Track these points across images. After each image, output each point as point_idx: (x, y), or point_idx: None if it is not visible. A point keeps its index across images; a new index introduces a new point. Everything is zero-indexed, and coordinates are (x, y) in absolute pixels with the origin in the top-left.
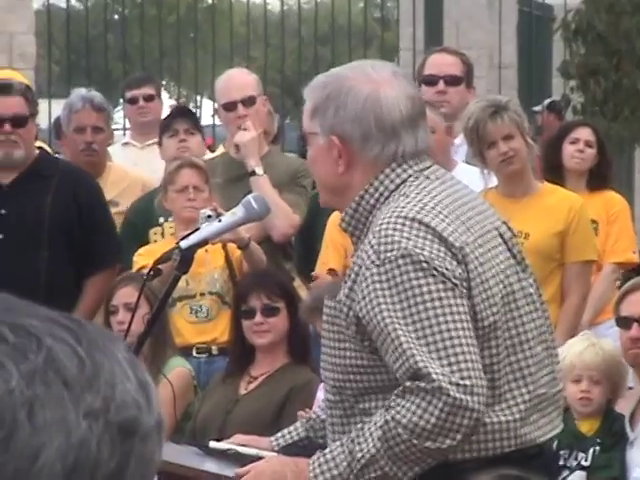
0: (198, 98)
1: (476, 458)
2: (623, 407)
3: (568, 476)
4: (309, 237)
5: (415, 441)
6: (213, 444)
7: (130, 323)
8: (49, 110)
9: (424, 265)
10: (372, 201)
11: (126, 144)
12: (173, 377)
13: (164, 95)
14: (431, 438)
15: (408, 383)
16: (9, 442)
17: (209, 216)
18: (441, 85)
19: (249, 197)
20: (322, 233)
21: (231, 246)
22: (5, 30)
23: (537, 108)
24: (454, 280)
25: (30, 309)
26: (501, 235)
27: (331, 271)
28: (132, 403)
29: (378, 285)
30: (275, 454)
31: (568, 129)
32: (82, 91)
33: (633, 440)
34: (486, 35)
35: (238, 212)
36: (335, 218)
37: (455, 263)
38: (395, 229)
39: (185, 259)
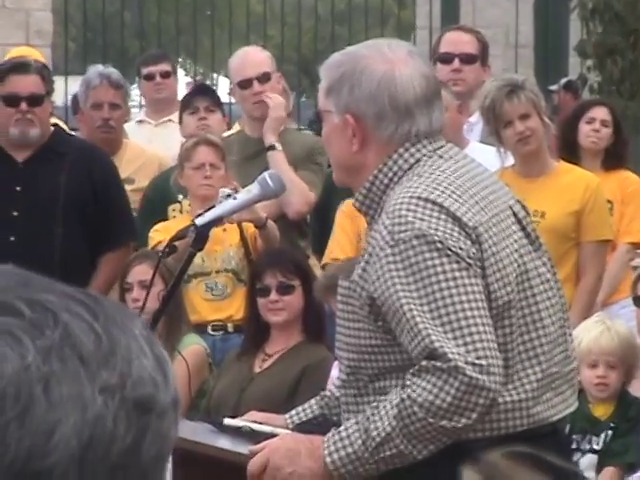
0: (215, 76)
1: (489, 437)
2: (637, 388)
3: (580, 459)
4: (324, 215)
5: (431, 420)
6: (227, 421)
7: (145, 300)
8: (65, 87)
9: (438, 245)
10: (386, 180)
11: (141, 121)
12: (188, 354)
13: (180, 73)
14: (447, 417)
15: (424, 362)
16: (25, 418)
17: (228, 195)
18: (456, 63)
19: (265, 174)
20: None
21: (246, 223)
22: (22, 7)
23: (553, 87)
24: (468, 260)
25: (47, 284)
26: (515, 214)
27: (336, 261)
28: (149, 380)
29: (392, 266)
30: (289, 431)
31: (584, 108)
32: (99, 67)
33: None
34: (503, 13)
35: (254, 189)
36: (344, 207)
37: (469, 243)
38: (409, 209)
39: (200, 236)
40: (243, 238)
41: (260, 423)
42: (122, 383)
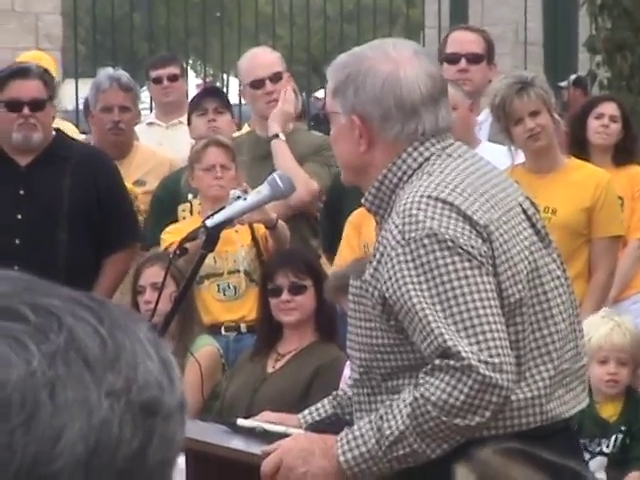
0: (225, 77)
1: (502, 435)
2: None
3: (589, 460)
4: (335, 215)
5: (444, 418)
6: (240, 422)
7: (157, 302)
8: (76, 90)
9: (449, 244)
10: (395, 180)
11: (151, 124)
12: (201, 356)
13: (191, 74)
14: (460, 415)
15: (437, 361)
16: (31, 423)
17: (239, 197)
18: (463, 63)
19: (274, 175)
20: (348, 210)
21: (257, 224)
22: (31, 11)
23: (563, 84)
24: (480, 258)
25: (51, 289)
26: (525, 211)
27: None
28: (154, 383)
29: (404, 265)
30: (302, 431)
31: (593, 104)
32: (109, 70)
33: None
34: (511, 11)
35: (263, 190)
36: (352, 218)
37: (480, 241)
38: (419, 208)
39: (211, 238)
40: (254, 239)
41: (273, 423)
42: (128, 387)
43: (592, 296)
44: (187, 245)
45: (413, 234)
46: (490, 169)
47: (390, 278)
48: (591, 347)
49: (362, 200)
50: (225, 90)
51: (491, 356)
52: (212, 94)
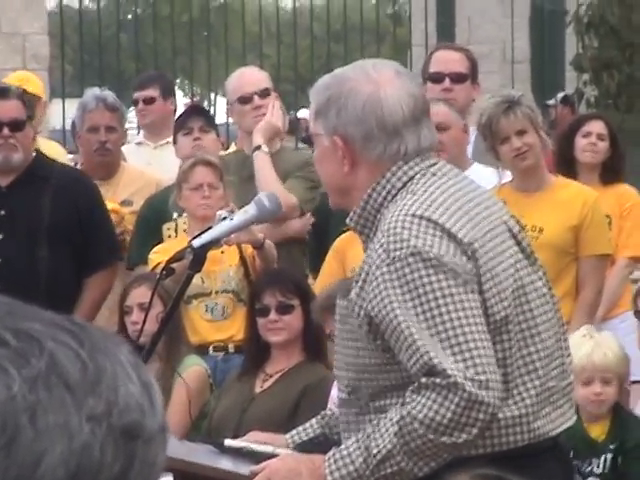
0: (212, 96)
1: (490, 453)
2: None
3: None
4: (321, 235)
5: (431, 436)
6: (228, 442)
7: (144, 323)
8: (63, 110)
9: (434, 262)
10: (380, 199)
11: (140, 143)
12: (189, 376)
13: (178, 94)
14: (447, 433)
15: (423, 379)
16: (11, 448)
17: (225, 218)
18: (447, 83)
19: (261, 195)
20: (334, 231)
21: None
22: (18, 31)
23: (550, 102)
24: (465, 276)
25: (32, 313)
26: (510, 229)
27: None
28: (135, 406)
29: (389, 284)
30: (290, 451)
31: (580, 122)
32: (95, 91)
33: None
34: (498, 30)
35: (250, 210)
36: (336, 243)
37: (465, 259)
38: (404, 227)
39: (197, 258)
40: (242, 258)
41: (261, 443)
42: (109, 411)
43: (580, 314)
44: (174, 265)
45: (398, 253)
46: (474, 188)
47: (375, 297)
48: (574, 368)
49: (347, 220)
50: (212, 109)
51: (477, 373)
52: (197, 113)
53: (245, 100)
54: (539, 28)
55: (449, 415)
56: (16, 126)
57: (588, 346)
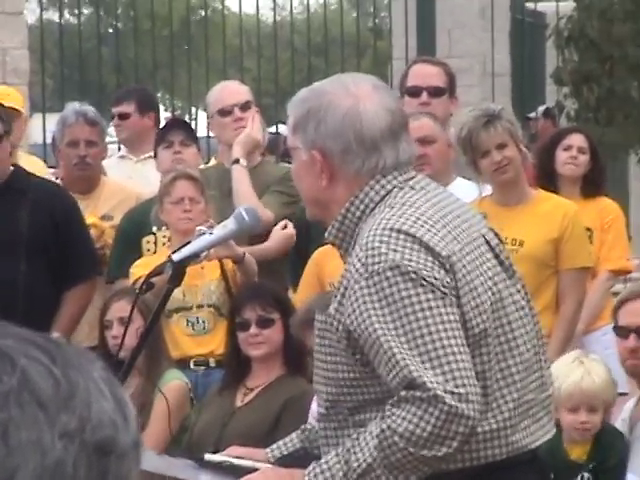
0: (193, 110)
1: (469, 467)
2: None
3: None
4: (302, 249)
5: (411, 449)
6: (208, 457)
7: (123, 337)
8: (43, 124)
9: (412, 276)
10: (358, 213)
11: (123, 157)
12: (169, 391)
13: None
14: (427, 446)
15: (403, 392)
16: None
17: (204, 233)
18: (424, 97)
19: (240, 209)
20: (314, 244)
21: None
22: None
23: (532, 115)
24: (443, 289)
25: (3, 329)
26: (488, 242)
27: None
28: (108, 422)
29: (368, 298)
30: (270, 466)
31: (561, 136)
32: (75, 105)
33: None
34: (479, 43)
35: (229, 224)
36: (315, 256)
37: (443, 272)
38: (382, 241)
39: (177, 272)
40: (223, 272)
41: (241, 458)
42: (82, 427)
43: (560, 328)
44: (154, 280)
45: (376, 267)
46: (453, 201)
47: (354, 311)
48: (561, 395)
49: (326, 234)
50: (194, 123)
51: (457, 386)
52: (178, 126)
53: (225, 113)
54: (519, 42)
55: (429, 428)
56: None
57: (578, 373)
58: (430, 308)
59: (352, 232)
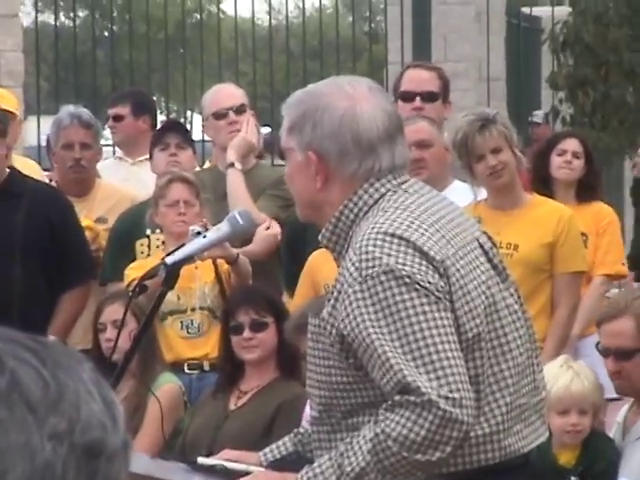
0: (189, 113)
1: (462, 471)
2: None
3: None
4: (295, 251)
5: (405, 454)
6: (201, 460)
7: (116, 340)
8: (38, 127)
9: (406, 280)
10: (351, 216)
11: (120, 159)
12: (162, 394)
13: None
14: (421, 451)
15: (397, 397)
16: None
17: (198, 232)
18: (418, 102)
19: (234, 212)
20: (309, 247)
21: (220, 260)
22: None
23: (536, 119)
24: (437, 294)
25: None
26: (481, 246)
27: None
28: (97, 424)
29: (361, 302)
30: (263, 469)
31: (555, 140)
32: (70, 108)
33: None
34: (474, 47)
35: (223, 227)
36: (311, 259)
37: (437, 276)
38: (375, 245)
39: (170, 275)
40: (218, 275)
41: (234, 461)
42: (71, 429)
43: (554, 332)
44: (147, 282)
45: (370, 271)
46: (446, 204)
47: (348, 315)
48: (550, 399)
49: (319, 237)
50: (188, 126)
51: (451, 391)
52: (174, 129)
53: (220, 116)
54: (515, 46)
55: (423, 433)
56: None
57: (567, 376)
58: (424, 312)
59: (345, 235)
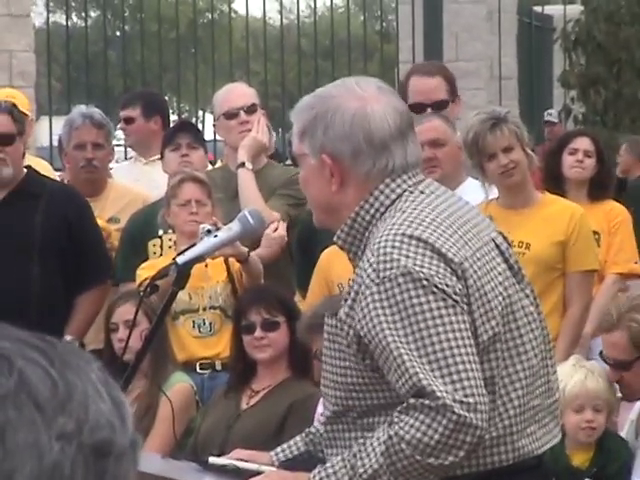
0: (200, 113)
1: (476, 472)
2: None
3: None
4: (308, 250)
5: (418, 457)
6: (212, 459)
7: (127, 340)
8: (50, 128)
9: (424, 283)
10: (368, 217)
11: (134, 159)
12: (173, 393)
13: None
14: (434, 454)
15: (412, 400)
16: None
17: (209, 231)
18: (429, 112)
19: (245, 212)
20: (321, 246)
21: (232, 260)
22: (5, 48)
23: (553, 119)
24: (455, 297)
25: (1, 331)
26: (498, 246)
27: None
28: (106, 424)
29: (379, 304)
30: (275, 469)
31: (567, 139)
32: (82, 108)
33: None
34: (486, 46)
35: (234, 227)
36: (323, 257)
37: (455, 279)
38: (394, 247)
39: (181, 275)
40: (230, 274)
41: (245, 461)
42: (79, 429)
43: (566, 331)
44: (158, 282)
45: (388, 273)
46: (462, 205)
47: (365, 317)
48: (566, 396)
49: (334, 238)
50: (200, 126)
51: (466, 396)
52: (185, 129)
53: (231, 115)
54: (526, 45)
55: (437, 437)
56: (5, 140)
57: (581, 373)
58: (441, 316)
59: (362, 236)
